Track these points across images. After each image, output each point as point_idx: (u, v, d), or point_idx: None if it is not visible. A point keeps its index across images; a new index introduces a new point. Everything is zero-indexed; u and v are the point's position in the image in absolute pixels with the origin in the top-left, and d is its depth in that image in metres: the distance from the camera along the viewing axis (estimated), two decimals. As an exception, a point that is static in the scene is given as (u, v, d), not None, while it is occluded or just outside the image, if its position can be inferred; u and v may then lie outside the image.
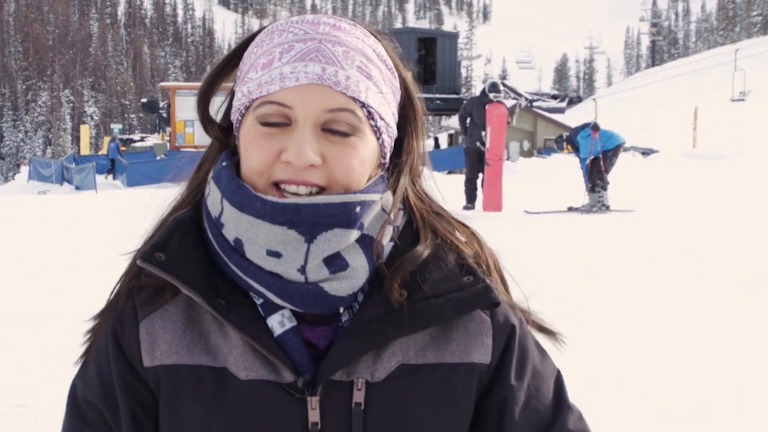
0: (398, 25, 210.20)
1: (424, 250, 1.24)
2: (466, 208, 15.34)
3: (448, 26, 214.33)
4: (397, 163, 1.29)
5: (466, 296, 1.21)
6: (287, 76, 1.16)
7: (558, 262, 9.04)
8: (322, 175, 1.17)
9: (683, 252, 9.72)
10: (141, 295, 1.25)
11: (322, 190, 1.17)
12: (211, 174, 1.25)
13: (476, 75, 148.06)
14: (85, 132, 62.73)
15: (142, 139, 55.30)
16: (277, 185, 1.18)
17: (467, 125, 16.04)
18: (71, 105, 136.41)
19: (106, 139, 53.13)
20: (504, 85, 35.29)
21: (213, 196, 1.23)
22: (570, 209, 15.17)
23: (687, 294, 7.38)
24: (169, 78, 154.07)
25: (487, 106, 15.65)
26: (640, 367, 5.26)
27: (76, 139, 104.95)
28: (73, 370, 1.33)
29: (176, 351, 1.21)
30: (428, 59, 46.88)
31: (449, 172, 31.13)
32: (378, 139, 1.23)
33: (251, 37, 1.27)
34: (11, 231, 13.27)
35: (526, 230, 11.98)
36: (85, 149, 57.15)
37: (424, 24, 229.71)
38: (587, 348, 5.47)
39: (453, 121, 40.28)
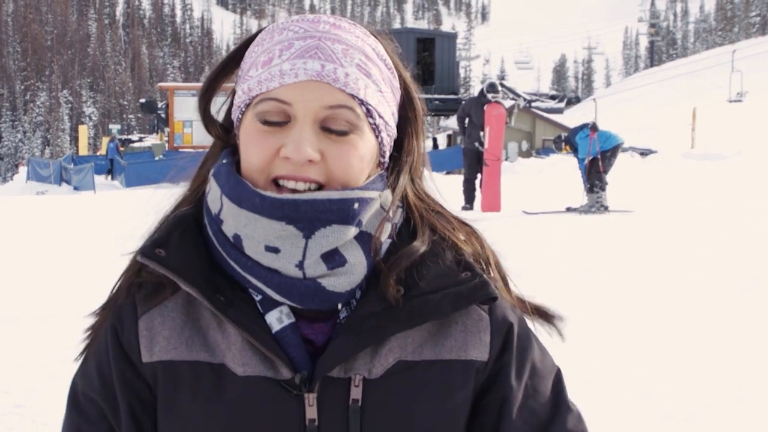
0: (397, 25, 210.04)
1: (420, 246, 1.24)
2: (464, 208, 15.33)
3: (446, 27, 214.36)
4: (397, 162, 1.29)
5: (463, 291, 1.21)
6: (287, 73, 1.17)
7: (556, 263, 9.04)
8: (321, 172, 1.18)
9: (682, 252, 9.73)
10: (141, 291, 1.25)
11: (320, 186, 1.18)
12: (211, 171, 1.26)
13: (475, 75, 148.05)
14: (84, 132, 62.73)
15: (140, 140, 55.29)
16: (276, 183, 1.18)
17: (466, 126, 16.04)
18: (70, 105, 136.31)
19: (105, 140, 53.13)
20: (502, 85, 35.30)
21: (213, 193, 1.23)
22: (568, 210, 15.17)
23: (686, 294, 7.38)
24: (168, 78, 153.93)
25: (485, 107, 15.64)
26: (639, 368, 5.26)
27: (75, 140, 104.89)
28: (72, 370, 1.34)
29: (174, 347, 1.22)
30: (427, 60, 46.91)
31: (448, 173, 31.14)
32: (377, 137, 1.23)
33: (253, 37, 1.28)
34: (11, 231, 13.25)
35: (525, 231, 11.97)
36: (83, 150, 57.15)
37: (423, 24, 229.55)
38: (586, 348, 5.47)
39: (451, 122, 40.29)
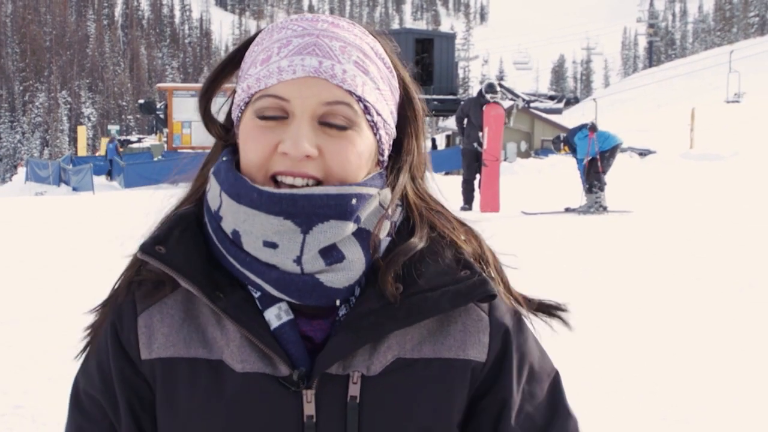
0: (395, 26, 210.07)
1: (417, 242, 1.24)
2: (463, 209, 15.34)
3: (445, 27, 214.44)
4: (397, 161, 1.29)
5: (462, 289, 1.22)
6: (285, 70, 1.18)
7: (555, 263, 9.04)
8: (319, 168, 1.18)
9: (680, 253, 9.73)
10: (141, 289, 1.26)
11: (318, 183, 1.18)
12: (211, 170, 1.26)
13: (473, 76, 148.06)
14: (83, 133, 62.64)
15: (139, 140, 55.23)
16: (275, 180, 1.19)
17: (464, 126, 16.04)
18: (68, 106, 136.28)
19: (104, 141, 53.05)
20: (501, 86, 35.32)
21: (213, 191, 1.24)
22: (567, 210, 15.18)
23: (684, 294, 7.39)
24: (167, 79, 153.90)
25: (484, 107, 15.64)
26: (637, 368, 5.27)
27: (74, 141, 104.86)
28: (72, 370, 1.34)
29: (173, 344, 1.22)
30: (425, 60, 46.90)
31: (446, 173, 31.12)
32: (375, 134, 1.24)
33: (253, 37, 1.29)
34: (11, 231, 13.26)
35: (524, 231, 11.98)
36: (82, 150, 57.06)
37: (422, 25, 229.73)
38: (585, 349, 5.47)
39: (450, 122, 40.33)
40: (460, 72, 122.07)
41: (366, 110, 1.21)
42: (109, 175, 34.73)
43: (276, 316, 1.20)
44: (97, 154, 49.11)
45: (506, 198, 15.69)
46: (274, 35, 1.23)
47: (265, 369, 1.18)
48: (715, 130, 42.52)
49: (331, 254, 1.18)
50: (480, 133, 15.67)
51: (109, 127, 77.06)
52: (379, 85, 1.24)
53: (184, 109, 33.77)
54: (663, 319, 6.49)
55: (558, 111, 50.23)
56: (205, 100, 1.32)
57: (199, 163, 1.35)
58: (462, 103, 17.38)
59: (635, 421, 4.37)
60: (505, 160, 29.75)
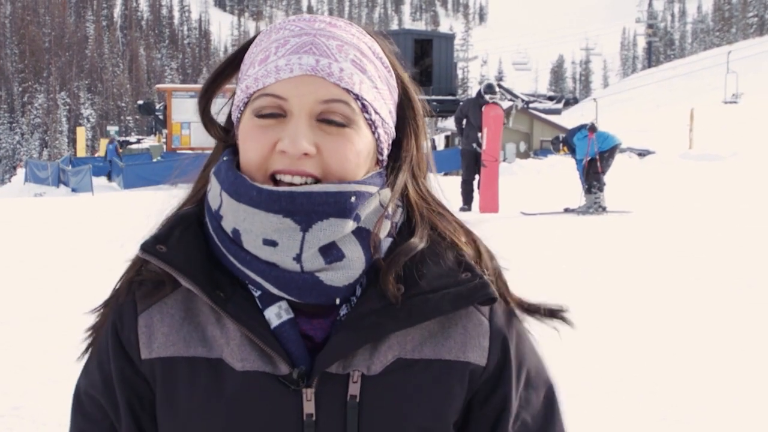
0: (394, 26, 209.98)
1: (418, 242, 1.24)
2: (462, 209, 15.34)
3: (444, 28, 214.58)
4: (396, 160, 1.30)
5: (463, 291, 1.22)
6: (282, 69, 1.19)
7: (554, 264, 9.05)
8: (317, 166, 1.19)
9: (679, 253, 9.74)
10: (141, 289, 1.26)
11: (317, 181, 1.19)
12: (212, 170, 1.27)
13: (472, 76, 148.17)
14: (82, 134, 62.63)
15: (138, 141, 55.18)
16: (274, 178, 1.19)
17: (463, 127, 16.05)
18: (67, 107, 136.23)
19: (103, 141, 53.02)
20: (500, 86, 35.30)
21: (213, 190, 1.25)
22: (566, 210, 15.19)
23: (683, 295, 7.40)
24: (166, 80, 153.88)
25: (483, 108, 15.65)
26: (637, 369, 5.27)
27: (73, 142, 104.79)
28: (72, 371, 1.35)
29: (173, 343, 1.23)
30: (424, 61, 46.89)
31: (446, 174, 31.12)
32: (373, 133, 1.24)
33: (252, 39, 1.30)
34: (10, 231, 13.26)
35: (523, 231, 11.98)
36: (81, 151, 57.04)
37: (421, 26, 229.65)
38: (584, 349, 5.48)
39: (449, 123, 40.29)
40: (459, 72, 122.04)
41: (364, 108, 1.22)
42: (110, 176, 34.71)
43: (276, 314, 1.20)
44: (96, 155, 49.10)
45: (505, 198, 15.70)
46: (272, 36, 1.24)
47: (265, 367, 1.19)
48: (714, 130, 42.53)
49: (331, 252, 1.18)
50: (479, 134, 15.68)
51: (108, 128, 77.03)
52: (377, 84, 1.24)
53: (183, 110, 33.76)
54: (662, 320, 6.49)
55: (557, 111, 50.21)
56: (204, 101, 1.32)
57: (199, 164, 1.36)
58: (461, 103, 17.39)
59: (635, 421, 4.38)
60: (504, 160, 29.73)
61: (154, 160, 35.62)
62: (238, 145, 1.26)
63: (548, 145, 34.55)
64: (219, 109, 1.34)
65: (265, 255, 1.18)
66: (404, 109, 1.31)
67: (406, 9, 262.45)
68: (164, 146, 38.05)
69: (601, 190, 15.11)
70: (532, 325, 1.36)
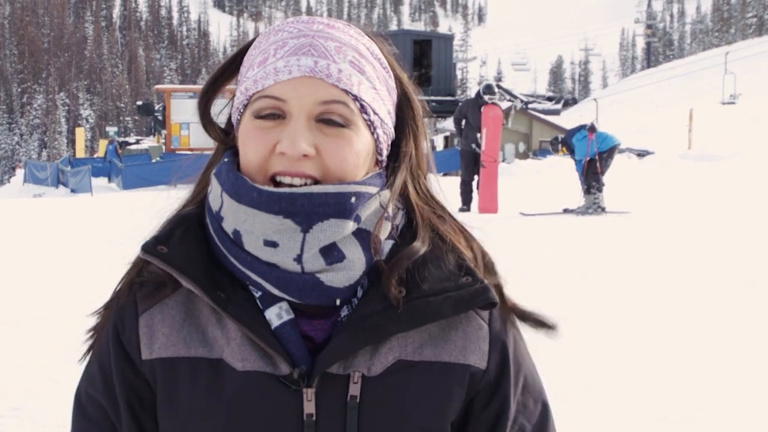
0: (393, 27, 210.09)
1: (420, 246, 1.25)
2: (461, 210, 15.35)
3: (443, 28, 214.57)
4: (396, 161, 1.30)
5: (464, 295, 1.23)
6: (281, 70, 1.19)
7: (553, 264, 9.05)
8: (316, 167, 1.19)
9: (679, 253, 9.74)
10: (142, 290, 1.27)
11: (317, 182, 1.19)
12: (213, 172, 1.27)
13: (471, 77, 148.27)
14: (81, 135, 62.68)
15: (137, 142, 55.18)
16: (274, 180, 1.20)
17: (462, 127, 16.06)
18: (66, 108, 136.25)
19: (102, 142, 53.00)
20: (499, 87, 35.26)
21: (214, 191, 1.25)
22: (565, 211, 15.19)
23: (682, 295, 7.40)
24: (165, 81, 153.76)
25: (482, 108, 15.66)
26: (636, 369, 5.28)
27: (72, 142, 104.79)
28: (72, 372, 1.35)
29: (173, 344, 1.23)
30: (423, 61, 46.87)
31: (445, 174, 31.13)
32: (372, 133, 1.25)
33: (252, 42, 1.30)
34: (10, 232, 13.27)
35: (522, 232, 11.99)
36: (80, 152, 57.09)
37: (420, 26, 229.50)
38: (584, 349, 5.48)
39: (448, 124, 40.27)
40: (459, 73, 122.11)
41: (362, 109, 1.22)
42: (110, 176, 34.69)
43: (277, 315, 1.20)
44: (95, 156, 49.09)
45: (504, 199, 15.71)
46: (270, 38, 1.25)
47: (265, 368, 1.19)
48: (713, 130, 42.53)
49: (332, 253, 1.19)
50: (478, 135, 15.69)
51: (107, 128, 77.06)
52: (375, 85, 1.25)
53: (183, 110, 33.78)
54: (662, 320, 6.49)
55: (556, 112, 50.13)
56: (204, 103, 1.33)
57: (199, 165, 1.36)
58: (460, 104, 17.40)
59: (635, 421, 4.38)
60: (503, 161, 29.75)
61: (153, 160, 35.63)
62: (238, 147, 1.27)
63: (547, 145, 34.53)
64: (219, 110, 1.35)
65: (266, 256, 1.18)
66: (403, 109, 1.31)
67: (405, 9, 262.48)
68: (163, 147, 38.07)
69: (600, 190, 15.12)
70: (529, 329, 1.37)
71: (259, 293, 1.22)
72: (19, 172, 44.64)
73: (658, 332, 6.12)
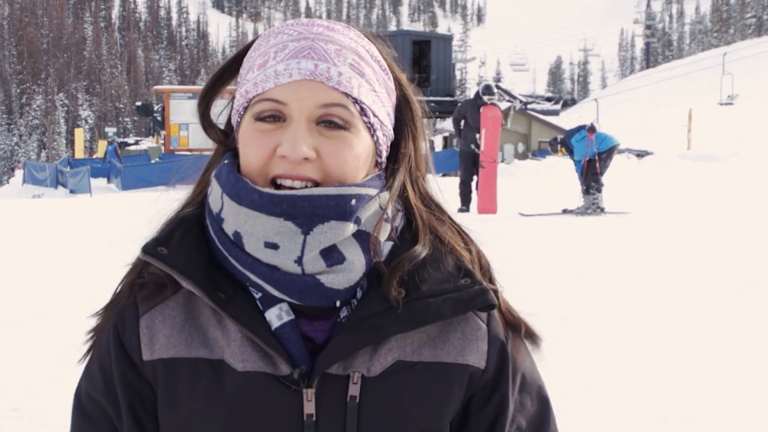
0: (392, 27, 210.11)
1: (422, 249, 1.26)
2: (460, 210, 15.36)
3: (442, 29, 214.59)
4: (395, 163, 1.31)
5: (463, 297, 1.23)
6: (281, 73, 1.20)
7: (553, 264, 9.05)
8: (317, 170, 1.20)
9: (678, 254, 9.75)
10: (143, 291, 1.27)
11: (317, 185, 1.20)
12: (213, 173, 1.28)
13: (470, 77, 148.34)
14: (80, 135, 62.77)
15: (136, 143, 55.18)
16: (275, 183, 1.20)
17: (461, 128, 16.06)
18: (66, 108, 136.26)
19: (101, 143, 52.99)
20: (498, 87, 35.26)
21: (214, 193, 1.26)
22: (565, 211, 15.20)
23: (682, 295, 7.40)
24: (164, 81, 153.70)
25: (481, 109, 15.66)
26: (636, 369, 5.28)
27: (71, 143, 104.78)
28: (72, 372, 1.35)
29: (174, 345, 1.24)
30: (422, 62, 46.87)
31: (444, 175, 31.13)
32: (372, 136, 1.25)
33: (251, 44, 1.31)
34: (10, 232, 13.27)
35: (521, 232, 11.99)
36: (79, 153, 57.16)
37: (419, 27, 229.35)
38: (583, 350, 5.48)
39: (447, 124, 40.27)
40: (458, 74, 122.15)
41: (362, 112, 1.22)
42: (109, 177, 34.69)
43: (277, 316, 1.21)
44: (94, 157, 49.10)
45: (504, 199, 15.72)
46: (270, 40, 1.25)
47: (266, 368, 1.20)
48: (713, 131, 42.56)
49: (332, 255, 1.20)
50: (477, 135, 15.69)
51: (107, 129, 77.09)
52: (375, 87, 1.25)
53: (182, 111, 33.80)
54: (661, 320, 6.50)
55: (555, 112, 50.15)
56: (203, 105, 1.33)
57: (198, 166, 1.37)
58: (459, 104, 17.39)
59: (635, 421, 4.38)
60: (502, 161, 29.76)
61: (153, 161, 35.63)
62: (238, 149, 1.27)
63: (546, 146, 34.61)
64: (219, 111, 1.35)
65: (267, 258, 1.19)
66: (402, 111, 1.32)
67: (404, 10, 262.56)
68: (162, 148, 38.08)
69: (599, 191, 15.12)
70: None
71: (260, 294, 1.22)
72: (18, 173, 44.65)
73: (657, 332, 6.12)
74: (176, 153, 33.19)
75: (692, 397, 4.73)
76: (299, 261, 1.18)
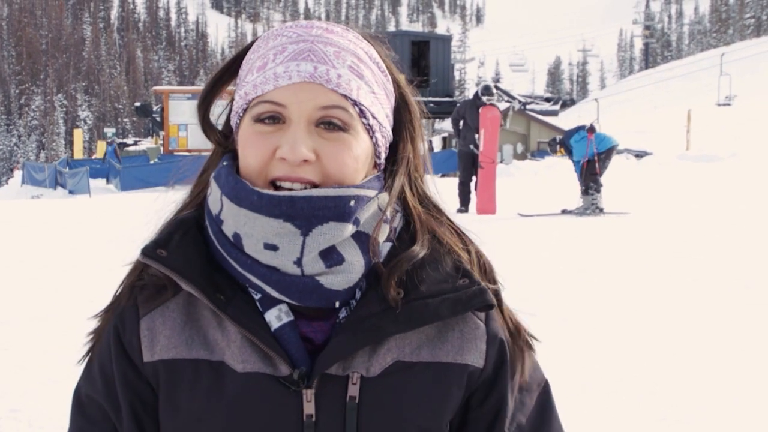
0: (391, 28, 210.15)
1: (420, 250, 1.26)
2: (459, 211, 15.36)
3: (441, 29, 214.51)
4: (394, 164, 1.31)
5: (461, 297, 1.24)
6: (280, 76, 1.20)
7: (552, 265, 9.05)
8: (316, 172, 1.20)
9: (677, 254, 9.75)
10: (143, 293, 1.28)
11: (316, 187, 1.20)
12: (212, 175, 1.28)
13: (469, 78, 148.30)
14: (79, 136, 62.74)
15: (135, 143, 55.19)
16: (274, 185, 1.21)
17: (460, 128, 16.06)
18: (64, 109, 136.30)
19: (100, 144, 52.97)
20: (497, 87, 35.24)
21: (213, 195, 1.26)
22: (564, 212, 15.19)
23: (681, 296, 7.40)
24: (163, 82, 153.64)
25: (480, 109, 15.66)
26: (637, 369, 5.28)
27: (70, 144, 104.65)
28: (72, 373, 1.35)
29: (175, 346, 1.24)
30: (421, 62, 46.88)
31: (443, 175, 31.13)
32: (371, 137, 1.26)
33: (250, 45, 1.31)
34: (10, 232, 13.28)
35: (520, 233, 11.99)
36: (78, 153, 57.13)
37: (418, 27, 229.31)
38: (583, 350, 5.48)
39: (446, 125, 40.28)
40: (457, 74, 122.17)
41: (361, 114, 1.23)
42: (108, 177, 34.68)
43: (276, 317, 1.21)
44: (93, 157, 49.08)
45: (503, 200, 15.72)
46: (269, 42, 1.25)
47: (265, 369, 1.20)
48: (712, 131, 42.58)
49: (331, 256, 1.20)
50: (476, 135, 15.69)
51: (106, 129, 77.08)
52: (374, 89, 1.26)
53: (181, 111, 33.82)
54: (661, 320, 6.50)
55: (554, 113, 50.12)
56: (203, 108, 1.33)
57: (197, 166, 1.37)
58: (458, 105, 17.38)
59: (635, 421, 4.38)
60: (501, 162, 29.76)
61: (152, 162, 35.62)
62: (236, 150, 1.27)
63: (545, 146, 34.60)
64: (218, 113, 1.35)
65: (266, 259, 1.19)
66: (401, 112, 1.32)
67: (403, 11, 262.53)
68: (161, 148, 38.07)
69: (598, 191, 15.12)
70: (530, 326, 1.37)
71: (259, 296, 1.23)
72: (17, 174, 44.67)
73: (657, 332, 6.12)
74: (175, 153, 33.19)
75: (692, 397, 4.73)
76: (298, 262, 1.18)
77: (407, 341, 1.24)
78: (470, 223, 1.40)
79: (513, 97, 45.53)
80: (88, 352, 1.34)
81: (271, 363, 1.20)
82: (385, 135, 1.28)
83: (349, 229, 1.21)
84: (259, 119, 1.21)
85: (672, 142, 39.99)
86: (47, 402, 4.63)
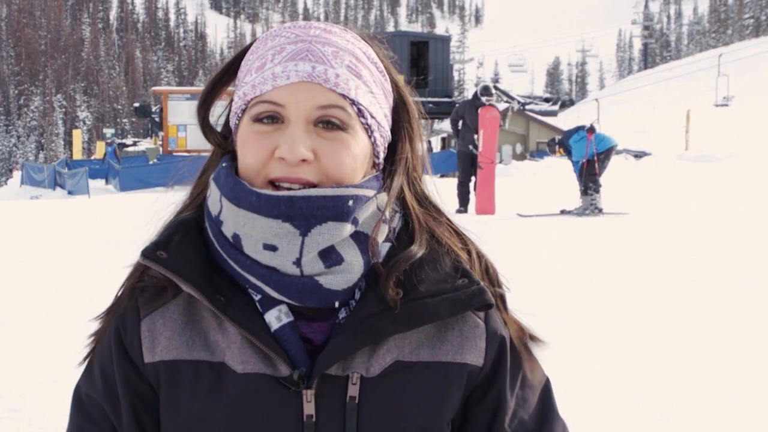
0: (390, 28, 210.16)
1: (418, 250, 1.26)
2: (458, 211, 15.36)
3: (440, 30, 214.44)
4: (392, 164, 1.31)
5: (461, 297, 1.24)
6: (279, 76, 1.20)
7: (551, 265, 9.05)
8: (315, 172, 1.20)
9: (676, 254, 9.75)
10: (143, 295, 1.28)
11: (315, 187, 1.20)
12: (211, 176, 1.29)
13: (469, 78, 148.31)
14: (78, 137, 62.69)
15: (134, 144, 55.16)
16: (273, 184, 1.21)
17: (460, 129, 16.06)
18: (64, 110, 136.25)
19: (99, 144, 52.94)
20: (496, 88, 35.23)
21: (213, 196, 1.26)
22: (563, 212, 15.19)
23: (680, 296, 7.40)
24: (162, 82, 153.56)
25: (479, 110, 15.66)
26: (636, 369, 5.28)
27: (69, 144, 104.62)
28: (71, 373, 1.35)
29: (175, 347, 1.24)
30: (420, 63, 46.87)
31: (442, 176, 31.13)
32: (370, 137, 1.26)
33: (248, 47, 1.31)
34: (10, 232, 13.27)
35: (519, 233, 11.99)
36: (77, 154, 57.10)
37: (417, 27, 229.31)
38: (582, 350, 5.49)
39: (445, 125, 40.30)
40: (456, 74, 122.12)
41: (360, 113, 1.23)
42: (107, 178, 34.67)
43: (276, 318, 1.22)
44: (92, 158, 49.06)
45: (502, 200, 15.71)
46: (268, 43, 1.26)
47: (265, 370, 1.20)
48: (711, 131, 42.59)
49: (330, 257, 1.20)
50: (475, 136, 15.70)
51: (105, 130, 77.06)
52: (372, 89, 1.26)
53: (180, 112, 33.80)
54: (660, 321, 6.50)
55: (553, 113, 50.10)
56: (203, 110, 1.34)
57: (196, 167, 1.37)
58: (457, 105, 17.38)
59: (635, 421, 4.38)
60: (500, 162, 29.76)
61: (151, 162, 35.60)
62: (236, 151, 1.28)
63: (544, 146, 34.57)
64: (217, 114, 1.36)
65: (266, 259, 1.20)
66: (399, 112, 1.33)
67: (402, 11, 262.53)
68: (160, 149, 38.05)
69: (597, 191, 15.12)
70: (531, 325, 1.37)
71: (259, 296, 1.23)
72: (16, 174, 44.66)
73: (656, 333, 6.12)
74: (174, 154, 33.17)
75: (691, 397, 4.74)
76: (298, 262, 1.19)
77: (407, 341, 1.24)
78: (469, 223, 1.40)
79: (512, 98, 45.51)
80: (89, 354, 1.34)
81: (271, 364, 1.20)
82: (383, 135, 1.29)
83: (348, 228, 1.21)
84: (258, 119, 1.21)
85: (671, 142, 39.99)
86: (47, 402, 4.63)
